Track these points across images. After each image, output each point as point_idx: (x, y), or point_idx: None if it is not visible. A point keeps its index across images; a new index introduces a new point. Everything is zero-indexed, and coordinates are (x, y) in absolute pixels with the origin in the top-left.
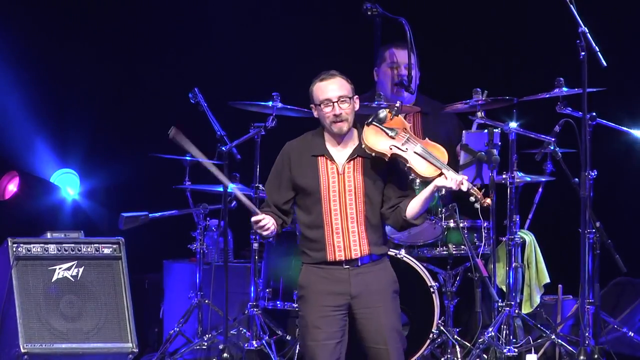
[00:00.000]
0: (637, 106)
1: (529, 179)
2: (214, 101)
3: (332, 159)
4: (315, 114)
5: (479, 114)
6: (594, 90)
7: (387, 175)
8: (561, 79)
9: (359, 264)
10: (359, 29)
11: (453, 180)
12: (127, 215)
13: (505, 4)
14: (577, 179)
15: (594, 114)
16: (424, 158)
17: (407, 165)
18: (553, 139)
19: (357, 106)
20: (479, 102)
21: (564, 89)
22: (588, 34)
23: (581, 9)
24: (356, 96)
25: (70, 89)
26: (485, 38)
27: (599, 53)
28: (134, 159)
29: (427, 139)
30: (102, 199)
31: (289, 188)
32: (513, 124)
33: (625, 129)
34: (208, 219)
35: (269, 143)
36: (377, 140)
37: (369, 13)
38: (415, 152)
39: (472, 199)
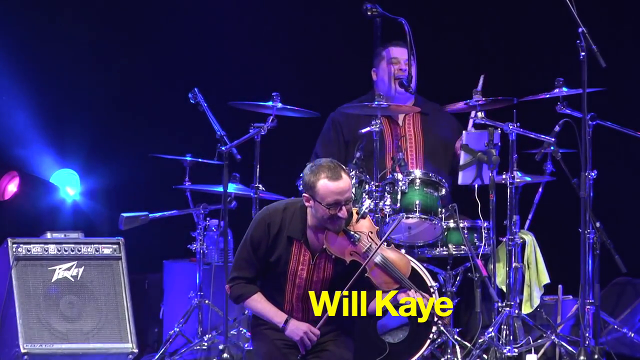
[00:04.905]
0: (637, 106)
1: (529, 179)
2: (214, 101)
3: (307, 247)
4: (309, 204)
5: (479, 114)
6: (594, 90)
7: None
8: (561, 79)
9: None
10: (359, 29)
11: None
12: (127, 215)
13: (506, 3)
14: (577, 179)
15: (594, 114)
16: (383, 270)
17: (366, 275)
18: (553, 139)
19: None
20: (479, 102)
21: (564, 89)
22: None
23: (581, 8)
24: None
25: (71, 89)
26: (485, 38)
27: (598, 53)
28: (134, 159)
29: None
30: (102, 199)
31: (263, 259)
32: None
33: (625, 129)
34: (208, 219)
35: (269, 143)
36: (338, 245)
37: (369, 13)
38: (375, 263)
39: None
